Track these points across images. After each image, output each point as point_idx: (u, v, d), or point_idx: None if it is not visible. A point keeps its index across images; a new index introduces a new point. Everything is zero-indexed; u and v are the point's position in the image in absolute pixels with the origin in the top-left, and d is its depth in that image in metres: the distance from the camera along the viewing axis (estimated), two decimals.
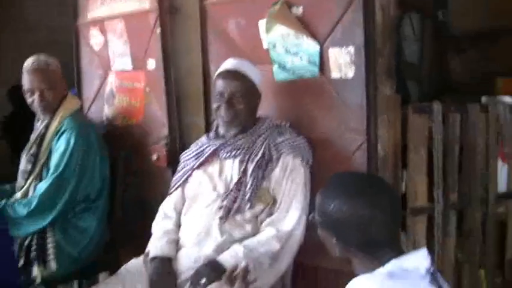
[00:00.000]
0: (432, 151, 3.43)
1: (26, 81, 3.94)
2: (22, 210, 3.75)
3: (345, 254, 2.17)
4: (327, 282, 3.39)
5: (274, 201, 3.20)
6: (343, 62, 3.24)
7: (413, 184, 3.40)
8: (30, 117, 7.27)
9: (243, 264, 2.59)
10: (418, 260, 2.04)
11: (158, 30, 4.01)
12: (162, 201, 3.79)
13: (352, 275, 2.10)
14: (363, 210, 2.06)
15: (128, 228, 4.30)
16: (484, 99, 3.83)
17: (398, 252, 2.09)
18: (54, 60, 4.00)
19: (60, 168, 3.81)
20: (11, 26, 7.50)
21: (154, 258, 3.26)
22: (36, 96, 3.93)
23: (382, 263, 2.04)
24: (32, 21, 7.63)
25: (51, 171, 3.86)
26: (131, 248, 3.86)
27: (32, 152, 4.01)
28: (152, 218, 3.89)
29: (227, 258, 3.05)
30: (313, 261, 3.42)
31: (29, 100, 3.98)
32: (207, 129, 3.81)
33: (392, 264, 2.02)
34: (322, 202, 2.17)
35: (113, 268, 3.83)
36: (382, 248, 2.07)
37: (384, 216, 2.06)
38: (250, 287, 2.55)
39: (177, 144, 4.07)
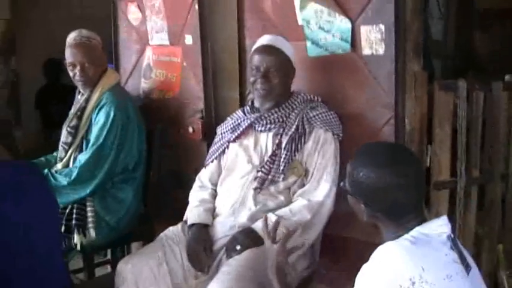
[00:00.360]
0: (456, 127, 3.53)
1: (69, 55, 4.09)
2: (63, 180, 3.88)
3: (372, 219, 2.29)
4: (354, 252, 3.46)
5: (306, 173, 3.34)
6: (374, 39, 3.37)
7: (438, 159, 3.50)
8: (63, 91, 7.48)
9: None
10: (440, 227, 2.17)
11: (196, 6, 4.12)
12: (196, 173, 3.93)
13: (377, 246, 2.19)
14: (390, 178, 2.17)
15: (162, 200, 4.44)
16: (507, 77, 3.93)
17: (422, 219, 2.22)
18: (95, 35, 4.13)
19: (100, 141, 3.93)
20: (42, 2, 7.50)
21: (192, 225, 3.43)
22: (77, 70, 4.06)
23: (406, 229, 2.17)
24: None
25: (91, 143, 3.99)
26: (165, 219, 4.01)
27: (72, 124, 4.12)
28: (186, 190, 4.01)
29: (261, 226, 3.16)
30: (341, 232, 3.57)
31: (70, 73, 4.12)
32: (242, 103, 3.95)
33: (416, 231, 2.14)
34: (353, 170, 2.29)
35: (146, 238, 4.06)
36: (407, 214, 2.20)
37: (409, 184, 2.18)
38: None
39: (212, 117, 4.19)
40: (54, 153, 4.34)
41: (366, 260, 2.16)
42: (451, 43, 6.02)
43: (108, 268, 4.70)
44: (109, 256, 4.76)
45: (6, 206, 2.94)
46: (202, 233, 3.37)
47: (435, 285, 1.99)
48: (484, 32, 6.11)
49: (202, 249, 3.28)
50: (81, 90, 4.20)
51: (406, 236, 2.13)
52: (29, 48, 6.87)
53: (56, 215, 3.38)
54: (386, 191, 2.18)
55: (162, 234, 3.49)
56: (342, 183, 2.42)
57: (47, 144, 7.29)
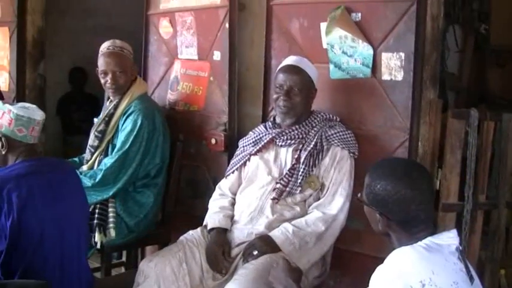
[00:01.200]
0: (466, 154, 3.67)
1: (101, 63, 4.22)
2: (87, 182, 4.00)
3: (386, 229, 2.42)
4: (362, 267, 3.53)
5: (322, 187, 3.52)
6: (393, 66, 3.57)
7: (447, 182, 3.65)
8: (84, 99, 7.67)
9: None
10: (450, 239, 2.31)
11: (227, 24, 4.28)
12: (214, 183, 4.13)
13: (382, 261, 2.33)
14: (405, 191, 2.32)
15: (179, 207, 4.59)
16: None
17: (432, 231, 2.36)
18: (128, 46, 4.28)
19: (126, 147, 4.08)
20: (71, 11, 7.68)
21: (211, 230, 3.61)
22: (109, 78, 4.20)
23: (417, 239, 2.30)
24: (91, 7, 7.80)
25: (116, 148, 4.13)
26: (181, 225, 4.14)
27: (100, 129, 4.26)
28: (203, 199, 4.21)
29: (278, 234, 3.38)
30: (351, 247, 3.75)
31: (102, 81, 4.25)
32: (264, 119, 4.12)
33: (428, 240, 2.29)
34: (370, 182, 2.43)
35: (162, 242, 4.24)
36: (419, 225, 2.34)
37: (423, 197, 2.33)
38: None
39: (235, 131, 4.33)
40: (75, 159, 4.51)
41: (372, 274, 2.30)
42: (466, 77, 6.16)
43: (123, 269, 4.86)
44: (123, 258, 4.92)
45: (45, 201, 3.12)
46: (221, 237, 3.55)
47: None
48: (498, 68, 6.28)
49: (221, 252, 3.45)
50: (110, 97, 4.35)
51: (419, 243, 2.28)
52: (55, 55, 7.03)
53: (87, 213, 3.56)
54: (401, 203, 2.32)
55: (182, 237, 3.65)
56: (359, 194, 2.56)
57: (65, 149, 7.51)
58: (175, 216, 4.51)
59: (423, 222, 2.35)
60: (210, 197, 3.91)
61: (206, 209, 3.84)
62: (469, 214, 3.66)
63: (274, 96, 3.65)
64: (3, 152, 3.21)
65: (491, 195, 3.84)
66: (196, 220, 3.94)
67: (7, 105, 3.19)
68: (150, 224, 4.30)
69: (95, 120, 4.43)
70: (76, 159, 4.47)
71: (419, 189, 2.34)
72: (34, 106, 3.24)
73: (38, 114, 3.18)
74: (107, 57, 4.22)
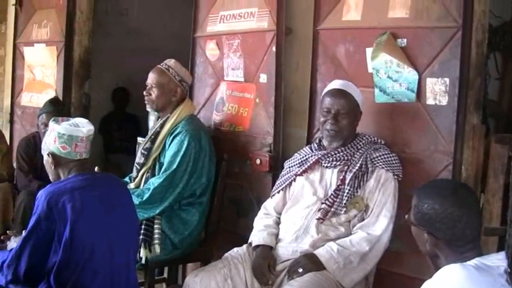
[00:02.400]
0: (509, 179, 3.64)
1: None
2: (135, 200, 4.02)
3: (434, 249, 2.44)
4: (402, 287, 3.71)
5: (367, 208, 3.57)
6: (438, 90, 3.63)
7: (490, 207, 3.68)
8: (126, 119, 7.80)
9: None
10: (499, 260, 2.34)
11: (274, 48, 4.37)
12: (257, 203, 4.24)
13: (422, 282, 2.38)
14: (452, 209, 2.36)
15: (222, 225, 4.67)
16: None
17: (480, 252, 2.39)
18: (179, 68, 4.41)
19: (173, 167, 4.16)
20: (115, 32, 7.84)
21: (257, 247, 3.69)
22: (146, 90, 4.38)
23: (465, 259, 2.33)
24: (135, 28, 7.96)
25: (164, 167, 4.22)
26: (224, 243, 4.24)
27: (146, 146, 4.35)
28: (246, 219, 4.33)
29: (323, 253, 3.44)
30: (392, 268, 3.78)
31: (144, 93, 4.42)
32: (309, 141, 4.19)
33: (477, 260, 2.32)
34: (418, 202, 2.47)
35: (204, 260, 4.28)
36: (466, 244, 2.37)
37: (470, 216, 2.37)
38: None
39: (280, 152, 4.39)
40: (126, 179, 4.58)
41: None
42: (506, 103, 6.19)
43: (164, 286, 4.91)
44: (165, 275, 5.00)
45: (96, 215, 3.22)
46: (267, 252, 3.63)
47: None
48: None
49: (267, 265, 3.53)
50: (157, 115, 4.49)
51: (469, 262, 2.31)
52: (99, 75, 7.16)
53: (136, 227, 3.64)
54: (449, 221, 2.36)
55: (227, 253, 3.73)
56: (406, 216, 2.60)
57: (105, 166, 7.62)
58: (218, 234, 4.57)
59: (470, 242, 2.39)
60: (254, 216, 3.98)
61: (249, 228, 3.92)
62: (511, 238, 3.66)
63: (322, 119, 3.72)
64: (52, 168, 3.34)
65: None
66: (239, 239, 4.03)
67: (52, 123, 3.31)
68: (194, 241, 4.37)
69: (140, 139, 4.53)
70: (127, 179, 4.55)
71: (466, 208, 2.38)
72: (81, 121, 3.33)
73: (81, 131, 3.25)
74: (151, 72, 4.40)
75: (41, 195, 3.15)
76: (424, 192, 2.49)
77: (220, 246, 4.26)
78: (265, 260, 3.56)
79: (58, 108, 5.17)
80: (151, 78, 4.37)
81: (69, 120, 3.32)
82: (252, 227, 3.88)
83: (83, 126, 3.27)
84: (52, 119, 3.37)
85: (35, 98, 6.44)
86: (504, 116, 6.06)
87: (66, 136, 3.23)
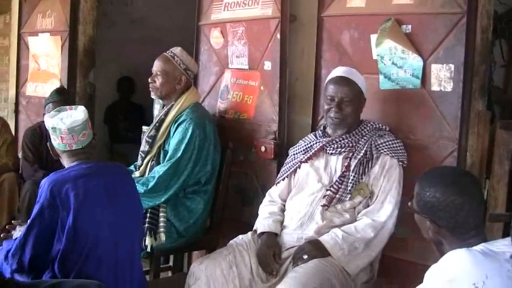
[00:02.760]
0: None
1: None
2: (140, 188, 4.04)
3: (437, 236, 2.45)
4: (408, 274, 3.66)
5: (371, 194, 3.57)
6: (443, 77, 3.62)
7: (495, 193, 3.66)
8: (131, 108, 7.82)
9: None
10: (505, 246, 2.32)
11: (278, 35, 4.37)
12: (262, 190, 4.24)
13: (427, 268, 2.37)
14: (454, 196, 2.36)
15: (228, 213, 4.67)
16: None
17: (484, 238, 2.40)
18: (185, 57, 4.40)
19: (178, 155, 4.17)
20: (120, 22, 7.86)
21: (261, 234, 3.69)
22: (150, 78, 4.39)
23: (470, 245, 2.33)
24: (139, 18, 7.98)
25: (168, 156, 4.23)
26: (229, 231, 4.22)
27: (150, 134, 4.36)
28: (251, 206, 4.33)
29: (328, 239, 3.44)
30: (396, 254, 3.78)
31: (149, 80, 4.43)
32: (313, 128, 4.19)
33: (483, 246, 2.31)
34: (420, 190, 2.48)
35: (209, 248, 4.30)
36: (469, 231, 2.38)
37: (472, 203, 2.37)
38: None
39: (284, 139, 4.39)
40: (131, 167, 4.59)
41: (419, 281, 2.36)
42: (511, 91, 6.18)
43: (169, 274, 4.90)
44: (170, 263, 5.01)
45: (100, 203, 3.22)
46: (272, 240, 3.63)
47: None
48: None
49: (271, 254, 3.53)
50: (163, 103, 4.50)
51: (475, 247, 2.30)
52: (104, 65, 7.16)
53: (141, 216, 3.64)
54: (451, 209, 2.37)
55: (232, 241, 3.73)
56: (409, 203, 2.60)
57: (111, 156, 7.66)
58: (223, 222, 4.58)
59: (473, 229, 2.39)
60: (259, 204, 3.98)
61: (254, 216, 3.92)
62: None
63: (326, 107, 3.71)
64: (56, 159, 3.38)
65: None
66: (244, 226, 4.02)
67: (46, 115, 3.33)
68: (199, 229, 4.37)
69: (144, 127, 4.53)
70: (132, 167, 4.55)
71: (468, 196, 2.38)
72: (70, 113, 3.29)
73: (63, 124, 3.22)
74: (157, 59, 4.42)
75: (44, 183, 3.16)
76: (425, 180, 2.49)
77: (226, 234, 4.25)
78: (270, 249, 3.56)
79: (64, 98, 5.17)
80: (157, 65, 4.38)
81: (60, 112, 3.29)
82: (257, 215, 3.88)
83: (67, 118, 3.23)
84: (57, 109, 3.37)
85: (39, 88, 6.45)
86: (510, 103, 6.05)
87: (51, 129, 3.26)
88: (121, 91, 8.11)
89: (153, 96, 4.50)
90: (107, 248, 3.22)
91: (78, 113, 3.27)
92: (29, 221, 3.18)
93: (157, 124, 4.37)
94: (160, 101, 4.58)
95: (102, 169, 3.38)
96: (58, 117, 3.24)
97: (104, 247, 3.20)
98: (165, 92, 4.38)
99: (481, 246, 2.31)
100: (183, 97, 4.35)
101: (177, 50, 4.42)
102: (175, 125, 4.28)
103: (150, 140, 4.36)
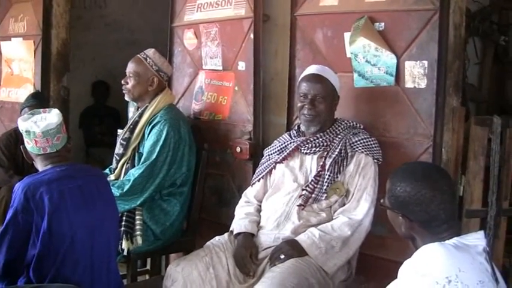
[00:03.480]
0: (489, 161, 3.70)
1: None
2: (115, 192, 4.00)
3: (410, 231, 2.45)
4: (386, 271, 3.62)
5: (347, 193, 3.57)
6: (417, 74, 3.63)
7: (470, 189, 3.68)
8: (106, 112, 7.78)
9: None
10: (477, 240, 2.33)
11: (251, 35, 4.36)
12: (238, 191, 4.23)
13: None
14: (424, 190, 2.36)
15: (204, 215, 4.66)
16: None
17: (457, 232, 2.40)
18: (157, 58, 4.38)
19: (153, 157, 4.15)
20: (94, 25, 7.83)
21: (238, 235, 3.67)
22: (123, 79, 4.38)
23: (442, 239, 2.34)
24: (113, 21, 7.96)
25: (143, 158, 4.20)
26: (206, 233, 4.22)
27: (124, 136, 4.33)
28: (228, 207, 4.31)
29: (304, 238, 3.43)
30: (375, 252, 3.80)
31: (122, 81, 4.42)
32: (288, 128, 4.18)
33: (455, 240, 2.32)
34: (391, 185, 2.48)
35: (187, 250, 4.27)
36: (441, 225, 2.37)
37: (442, 196, 2.37)
38: None
39: (260, 139, 4.39)
40: (106, 171, 4.55)
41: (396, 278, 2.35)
42: (485, 88, 6.22)
43: (147, 277, 4.89)
44: (148, 266, 4.98)
45: (75, 206, 3.18)
46: (248, 240, 3.61)
47: (469, 287, 2.15)
48: None
49: (248, 254, 3.51)
50: (137, 105, 4.47)
51: (447, 241, 2.31)
52: (78, 69, 7.13)
53: (116, 218, 3.61)
54: (421, 203, 2.37)
55: (209, 242, 3.70)
56: (381, 200, 2.61)
57: (87, 161, 7.61)
58: (200, 224, 4.58)
59: (445, 222, 2.39)
60: (235, 205, 3.96)
61: (231, 217, 3.89)
62: (492, 220, 3.68)
63: (299, 104, 3.71)
64: (30, 162, 3.35)
65: None
66: (222, 228, 4.01)
67: (20, 118, 3.29)
68: (176, 231, 4.36)
69: (119, 131, 4.50)
70: (107, 171, 4.52)
71: (438, 189, 2.38)
72: (44, 115, 3.26)
73: (37, 127, 3.19)
74: (130, 61, 4.40)
75: (18, 187, 3.12)
76: (396, 176, 2.49)
77: (203, 236, 4.25)
78: (246, 250, 3.54)
79: (40, 102, 5.13)
80: (129, 67, 4.37)
81: (34, 115, 3.26)
82: (234, 216, 3.86)
83: (41, 121, 3.21)
84: (31, 111, 3.34)
85: (13, 93, 6.38)
86: (484, 100, 6.09)
87: (25, 132, 3.22)
88: (96, 95, 8.08)
89: (126, 99, 4.47)
90: (83, 251, 3.19)
91: (52, 116, 3.23)
92: (2, 226, 3.14)
93: (131, 126, 4.35)
94: (135, 104, 4.54)
95: (77, 172, 3.34)
96: (32, 120, 3.21)
97: (79, 250, 3.17)
98: (138, 94, 4.36)
99: (453, 240, 2.32)
100: (157, 99, 4.32)
101: (150, 51, 4.40)
102: (150, 127, 4.25)
103: (125, 143, 4.33)
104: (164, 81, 4.43)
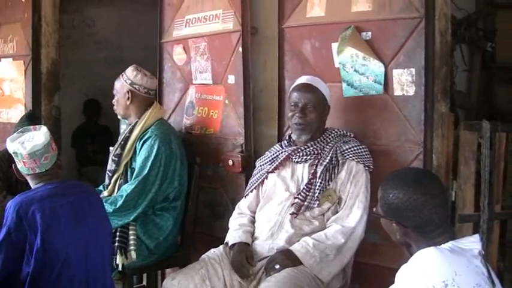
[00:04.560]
0: (480, 165, 3.72)
1: None
2: (108, 208, 4.01)
3: (404, 237, 2.47)
4: (381, 279, 3.66)
5: (340, 200, 3.59)
6: (405, 81, 3.66)
7: (462, 194, 3.71)
8: (98, 131, 7.77)
9: None
10: (472, 243, 2.36)
11: (240, 49, 4.39)
12: (232, 204, 4.24)
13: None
14: (416, 195, 2.38)
15: (198, 229, 4.67)
16: None
17: (452, 236, 2.41)
18: (129, 73, 4.40)
19: (145, 172, 4.16)
20: (83, 43, 7.85)
21: (233, 246, 3.68)
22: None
23: (438, 243, 2.35)
24: (102, 39, 7.99)
25: (135, 174, 4.21)
26: (201, 247, 4.22)
27: (116, 153, 4.36)
28: (222, 221, 4.31)
29: (298, 248, 3.45)
30: (369, 260, 3.82)
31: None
32: (279, 139, 4.20)
33: (451, 243, 2.34)
34: (384, 193, 2.50)
35: (182, 264, 4.23)
36: (435, 229, 2.39)
37: (434, 201, 2.39)
38: None
39: (251, 152, 4.42)
40: (100, 188, 4.56)
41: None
42: (474, 94, 6.25)
43: None
44: (144, 282, 4.97)
45: (68, 222, 3.20)
46: (243, 247, 3.64)
47: None
48: (505, 85, 6.34)
49: (244, 258, 3.53)
50: (128, 122, 4.49)
51: (443, 245, 2.33)
52: (68, 87, 7.13)
53: (110, 233, 3.62)
54: (414, 208, 2.39)
55: (204, 255, 3.71)
56: (374, 209, 2.63)
57: (80, 180, 7.58)
58: (194, 238, 4.58)
59: (439, 227, 2.41)
60: (229, 218, 3.97)
61: (225, 230, 3.90)
62: (485, 224, 3.69)
63: (290, 114, 3.75)
64: (23, 180, 3.37)
65: (506, 205, 3.91)
66: (216, 241, 4.01)
67: (8, 138, 3.30)
68: (170, 246, 4.36)
69: (111, 148, 4.52)
70: (101, 187, 4.53)
71: (430, 194, 2.40)
72: (31, 136, 3.26)
73: (24, 148, 3.20)
74: (115, 81, 4.49)
75: (10, 206, 3.13)
76: (388, 184, 2.51)
77: (197, 249, 4.25)
78: (242, 254, 3.56)
79: (34, 123, 5.12)
80: (114, 88, 4.47)
81: (24, 133, 3.28)
82: (228, 229, 3.87)
83: (28, 141, 3.22)
84: (21, 129, 3.35)
85: (4, 114, 6.38)
86: (473, 107, 6.11)
87: (13, 153, 3.25)
88: (88, 114, 8.07)
89: (119, 117, 4.51)
90: (78, 266, 3.20)
91: (39, 137, 3.24)
92: None
93: (122, 142, 4.36)
94: (126, 121, 4.56)
95: (68, 189, 3.35)
96: (19, 141, 3.22)
97: (74, 266, 3.18)
98: (121, 110, 4.43)
99: (449, 244, 2.34)
100: (146, 114, 4.34)
101: (128, 68, 4.45)
102: (141, 142, 4.27)
103: (116, 159, 4.35)
104: (143, 94, 4.39)
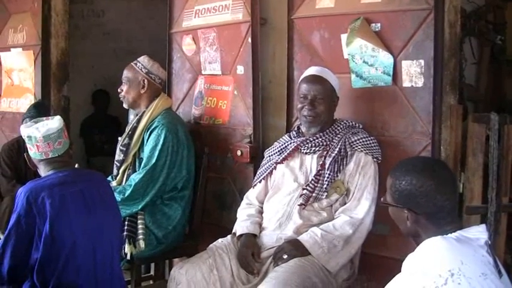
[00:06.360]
0: (488, 157, 3.72)
1: None
2: (117, 197, 4.03)
3: (414, 225, 2.45)
4: (388, 270, 3.68)
5: (348, 192, 3.60)
6: (413, 73, 3.67)
7: (470, 185, 3.71)
8: (107, 121, 7.78)
9: None
10: (479, 233, 2.36)
11: (249, 39, 4.40)
12: (240, 194, 4.25)
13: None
14: (430, 181, 2.38)
15: (206, 219, 4.68)
16: None
17: (460, 226, 2.42)
18: (147, 62, 4.43)
19: (152, 162, 4.19)
20: (92, 34, 7.87)
21: (240, 236, 3.70)
22: (119, 88, 4.48)
23: (446, 232, 2.35)
24: (112, 31, 8.00)
25: (143, 163, 4.24)
26: (209, 236, 4.21)
27: (124, 143, 4.39)
28: (229, 211, 4.35)
29: (307, 238, 3.46)
30: (377, 251, 3.83)
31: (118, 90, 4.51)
32: (288, 130, 4.21)
33: (458, 233, 2.34)
34: (394, 180, 2.49)
35: (190, 254, 4.18)
36: (446, 217, 2.39)
37: (446, 187, 2.40)
38: None
39: (260, 142, 4.42)
40: (109, 178, 4.54)
41: None
42: (483, 87, 6.23)
43: (151, 282, 4.89)
44: (152, 272, 5.00)
45: (77, 210, 3.22)
46: (251, 240, 3.65)
47: (471, 279, 2.17)
48: None
49: (250, 253, 3.54)
50: (135, 112, 4.52)
51: (450, 234, 2.34)
52: (77, 78, 7.13)
53: (119, 222, 3.63)
54: (428, 193, 2.39)
55: (212, 245, 3.73)
56: (382, 198, 2.63)
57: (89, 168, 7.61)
58: (202, 228, 4.59)
59: (450, 214, 2.41)
60: (237, 208, 3.99)
61: (233, 220, 3.93)
62: (493, 216, 3.70)
63: (299, 106, 3.75)
64: (34, 170, 3.38)
65: None
66: (224, 231, 4.02)
67: (22, 125, 3.34)
68: (178, 235, 4.38)
69: (119, 138, 4.53)
70: (110, 178, 4.54)
71: (442, 179, 2.41)
72: (45, 122, 3.31)
73: (38, 132, 3.23)
74: (125, 68, 4.50)
75: (20, 192, 3.16)
76: (398, 171, 2.51)
77: (205, 239, 4.25)
78: (248, 249, 3.57)
79: (42, 112, 5.15)
80: (123, 74, 4.47)
81: (37, 122, 3.31)
82: (236, 219, 3.89)
83: (42, 126, 3.25)
84: (34, 120, 3.38)
85: (14, 103, 6.40)
86: (482, 99, 6.10)
87: (27, 138, 3.27)
88: (96, 104, 8.08)
89: (124, 106, 4.52)
90: (85, 255, 3.21)
91: (53, 122, 3.28)
92: (6, 232, 3.16)
93: (130, 132, 4.40)
94: (134, 111, 4.58)
95: (79, 177, 3.38)
96: (34, 126, 3.25)
97: (82, 255, 3.20)
98: (132, 99, 4.43)
99: (456, 234, 2.34)
100: (153, 104, 4.38)
101: (141, 57, 4.47)
102: (148, 132, 4.30)
103: (124, 149, 4.38)
104: (157, 84, 4.46)
